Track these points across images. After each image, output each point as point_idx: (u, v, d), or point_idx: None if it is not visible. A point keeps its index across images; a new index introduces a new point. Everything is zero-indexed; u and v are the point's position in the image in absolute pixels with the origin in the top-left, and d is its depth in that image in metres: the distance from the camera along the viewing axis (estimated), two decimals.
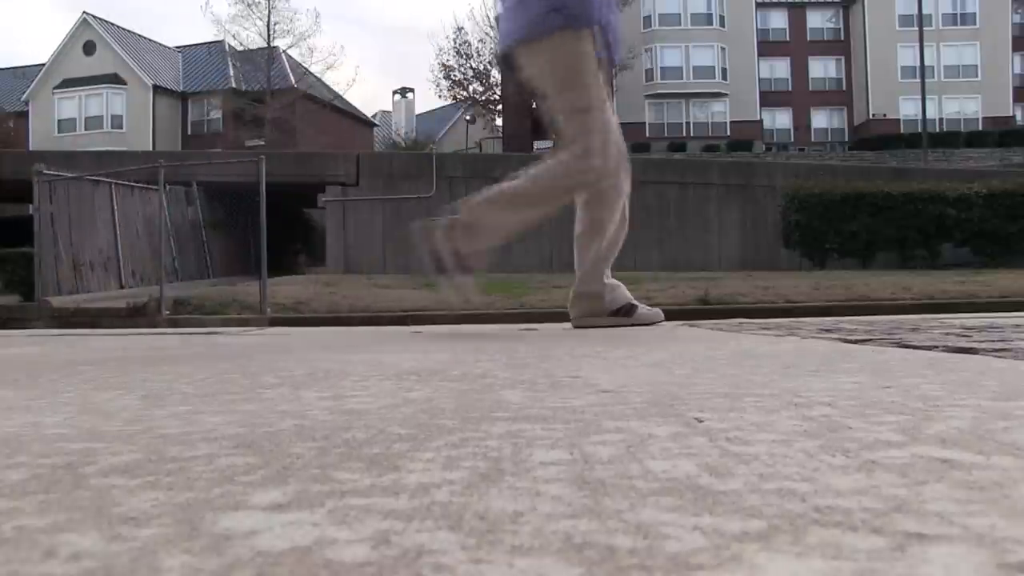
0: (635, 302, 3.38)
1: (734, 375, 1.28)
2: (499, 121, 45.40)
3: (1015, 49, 44.04)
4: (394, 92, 57.98)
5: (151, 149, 32.93)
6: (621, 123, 3.55)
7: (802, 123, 46.25)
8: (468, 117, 47.48)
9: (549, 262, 15.69)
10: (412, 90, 61.77)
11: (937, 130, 39.64)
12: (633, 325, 3.23)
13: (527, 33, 3.16)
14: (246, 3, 39.30)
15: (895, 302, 7.41)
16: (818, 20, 46.61)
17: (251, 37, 40.71)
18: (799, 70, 45.98)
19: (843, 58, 46.22)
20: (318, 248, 18.54)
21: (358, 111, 47.79)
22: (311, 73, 40.77)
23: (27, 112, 39.59)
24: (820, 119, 46.20)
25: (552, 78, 3.18)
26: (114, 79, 39.33)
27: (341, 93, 43.91)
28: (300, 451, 0.71)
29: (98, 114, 39.15)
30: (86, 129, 38.34)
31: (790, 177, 15.81)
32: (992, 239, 13.63)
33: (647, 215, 16.95)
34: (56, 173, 11.91)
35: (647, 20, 43.94)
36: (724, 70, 44.88)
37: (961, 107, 43.64)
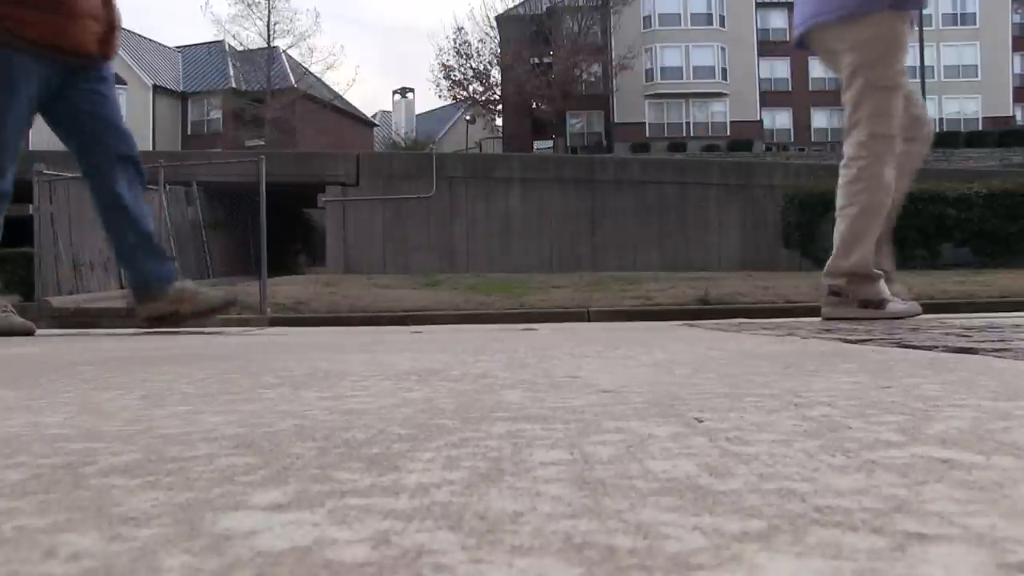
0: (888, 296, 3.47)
1: (734, 375, 1.28)
2: (499, 121, 45.45)
3: (1015, 49, 44.05)
4: (394, 92, 58.12)
5: (151, 149, 32.89)
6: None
7: (802, 123, 46.24)
8: (468, 117, 47.52)
9: (549, 262, 15.69)
10: (412, 90, 61.90)
11: (937, 130, 39.27)
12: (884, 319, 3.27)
13: (853, 9, 3.28)
14: (246, 3, 39.41)
15: None
16: None
17: (251, 37, 40.88)
18: (799, 70, 45.95)
19: None
20: (318, 248, 18.55)
21: (358, 111, 47.82)
22: (311, 73, 40.82)
23: None
24: (820, 119, 46.16)
25: (870, 53, 3.29)
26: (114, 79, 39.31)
27: (341, 93, 43.99)
28: (300, 451, 0.71)
29: None
30: None
31: (790, 177, 15.81)
32: (992, 239, 13.63)
33: (647, 215, 16.95)
34: (56, 173, 11.91)
35: (647, 20, 43.94)
36: (724, 70, 44.87)
37: (961, 107, 43.67)
